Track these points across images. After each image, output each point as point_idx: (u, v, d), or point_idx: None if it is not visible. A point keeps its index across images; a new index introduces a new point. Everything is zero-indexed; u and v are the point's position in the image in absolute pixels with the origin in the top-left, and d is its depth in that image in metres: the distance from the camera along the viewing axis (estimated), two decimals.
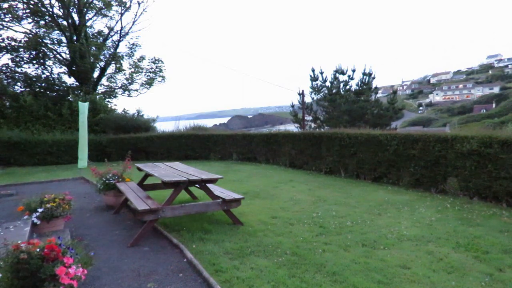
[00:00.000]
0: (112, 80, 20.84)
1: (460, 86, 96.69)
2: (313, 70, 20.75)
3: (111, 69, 20.34)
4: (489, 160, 6.30)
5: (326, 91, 20.37)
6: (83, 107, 10.08)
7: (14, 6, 16.37)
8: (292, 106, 21.07)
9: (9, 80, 17.05)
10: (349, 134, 9.31)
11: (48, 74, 18.32)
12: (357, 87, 19.61)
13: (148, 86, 21.15)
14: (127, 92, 20.96)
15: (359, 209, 5.99)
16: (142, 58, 20.89)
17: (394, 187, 7.90)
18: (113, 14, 19.62)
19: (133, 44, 20.68)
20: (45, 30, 17.93)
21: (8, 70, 17.13)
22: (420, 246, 4.21)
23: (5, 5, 16.09)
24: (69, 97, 16.88)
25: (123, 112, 18.99)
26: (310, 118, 20.97)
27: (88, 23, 19.06)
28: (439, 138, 7.22)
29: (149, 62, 21.00)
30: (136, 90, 21.05)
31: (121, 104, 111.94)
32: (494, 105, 68.85)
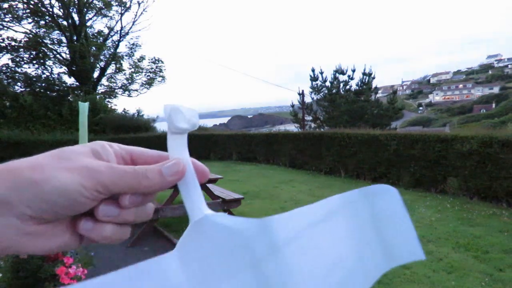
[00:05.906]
0: (112, 80, 20.87)
1: (460, 86, 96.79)
2: (313, 70, 20.76)
3: (111, 69, 20.39)
4: (489, 160, 6.29)
5: (326, 91, 20.38)
6: (83, 107, 10.05)
7: (14, 6, 16.39)
8: (292, 106, 21.06)
9: (9, 80, 17.07)
10: (349, 134, 9.31)
11: (48, 74, 18.37)
12: (357, 87, 19.63)
13: (148, 86, 21.16)
14: (127, 92, 20.98)
15: None
16: (142, 58, 20.90)
17: (394, 187, 7.89)
18: (113, 14, 19.67)
19: (133, 44, 20.72)
20: (45, 30, 17.95)
21: (8, 70, 17.15)
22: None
23: (5, 5, 16.12)
24: (69, 97, 16.90)
25: (123, 112, 19.01)
26: (310, 118, 20.97)
27: (88, 23, 19.11)
28: (439, 138, 7.22)
29: (149, 62, 21.04)
30: (136, 90, 21.06)
31: (121, 104, 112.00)
32: (494, 105, 68.88)
